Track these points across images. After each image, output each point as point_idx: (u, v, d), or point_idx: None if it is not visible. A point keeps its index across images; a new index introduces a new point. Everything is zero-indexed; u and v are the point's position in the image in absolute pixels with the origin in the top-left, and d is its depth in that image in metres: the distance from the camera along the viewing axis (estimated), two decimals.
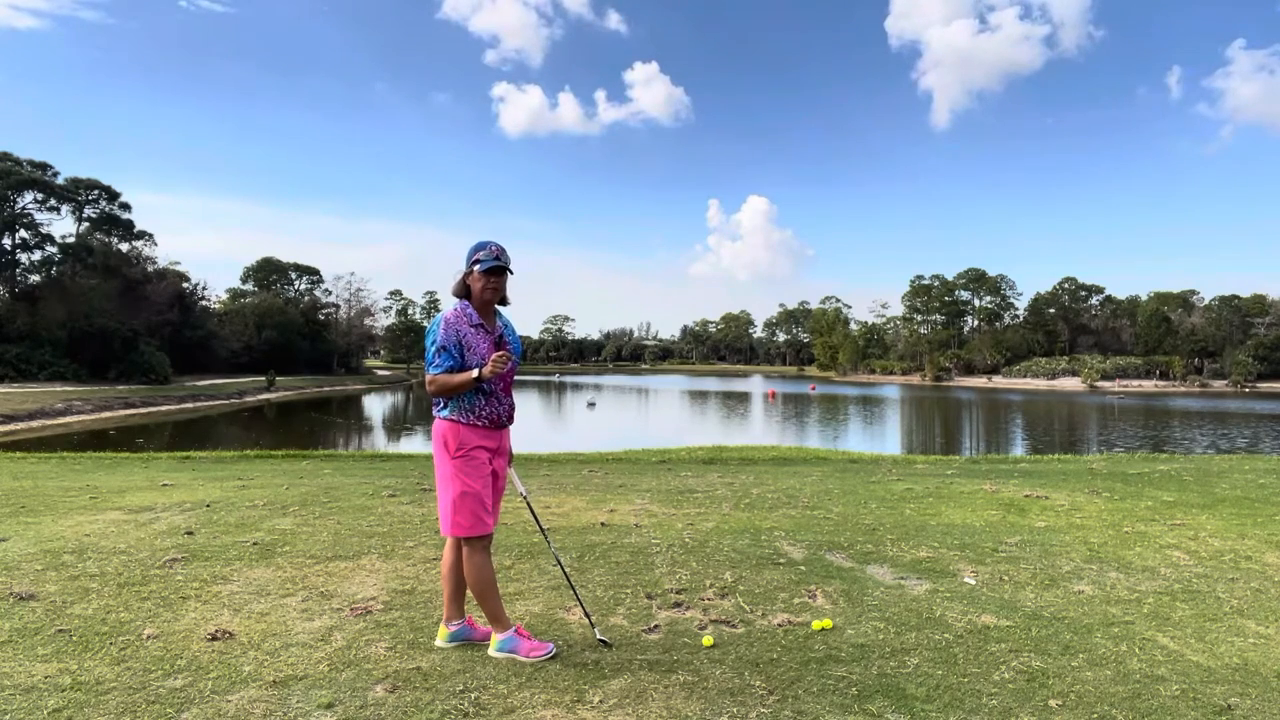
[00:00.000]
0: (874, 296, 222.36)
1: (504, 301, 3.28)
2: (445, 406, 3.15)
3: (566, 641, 3.30)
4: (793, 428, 38.89)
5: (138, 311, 56.19)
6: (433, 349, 3.11)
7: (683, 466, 10.23)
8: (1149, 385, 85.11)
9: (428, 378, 3.14)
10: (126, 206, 63.11)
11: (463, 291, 3.20)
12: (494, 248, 3.16)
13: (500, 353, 3.09)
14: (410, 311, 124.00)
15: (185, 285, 68.42)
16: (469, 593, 3.33)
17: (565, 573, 3.67)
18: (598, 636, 3.31)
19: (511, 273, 3.23)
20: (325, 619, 3.53)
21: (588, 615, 3.49)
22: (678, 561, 4.62)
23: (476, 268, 3.14)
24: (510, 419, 3.30)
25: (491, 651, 3.14)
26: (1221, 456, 12.28)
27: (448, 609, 3.27)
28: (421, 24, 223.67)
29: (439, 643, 3.25)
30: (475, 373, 3.07)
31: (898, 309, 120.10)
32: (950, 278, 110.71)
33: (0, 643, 3.18)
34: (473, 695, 2.77)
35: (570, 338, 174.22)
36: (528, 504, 3.66)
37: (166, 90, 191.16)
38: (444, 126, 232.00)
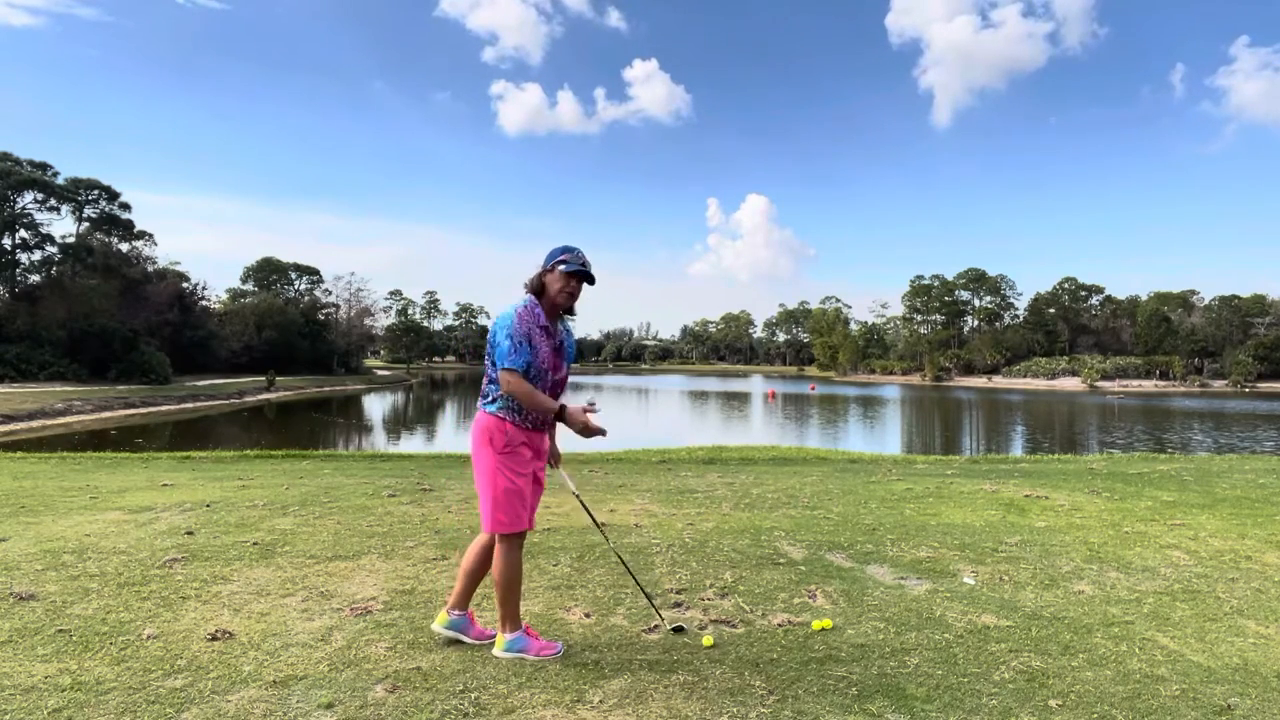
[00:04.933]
0: (874, 296, 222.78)
1: (570, 311, 3.24)
2: (494, 401, 3.11)
3: (566, 641, 3.30)
4: (793, 428, 38.88)
5: (138, 311, 56.16)
6: (507, 341, 3.00)
7: (683, 466, 10.23)
8: (1149, 385, 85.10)
9: (506, 371, 3.01)
10: (126, 206, 63.07)
11: (538, 288, 3.13)
12: (580, 254, 3.11)
13: (592, 417, 3.04)
14: (410, 311, 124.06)
15: (185, 285, 68.38)
16: (475, 591, 3.34)
17: (629, 569, 3.74)
18: (670, 627, 3.36)
19: (592, 282, 3.18)
20: (325, 619, 3.53)
21: (657, 611, 3.53)
22: (678, 561, 4.62)
23: (561, 267, 3.08)
24: (552, 423, 3.28)
25: (497, 652, 3.13)
26: (1221, 456, 12.28)
27: (454, 598, 3.27)
28: (419, 21, 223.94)
29: (435, 626, 3.26)
30: (558, 406, 3.05)
31: (898, 309, 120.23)
32: (950, 278, 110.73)
33: (0, 643, 3.18)
34: (473, 695, 2.77)
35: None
36: (582, 504, 3.65)
37: (164, 89, 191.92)
38: (443, 125, 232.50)
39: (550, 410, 3.05)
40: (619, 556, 3.89)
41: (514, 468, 3.09)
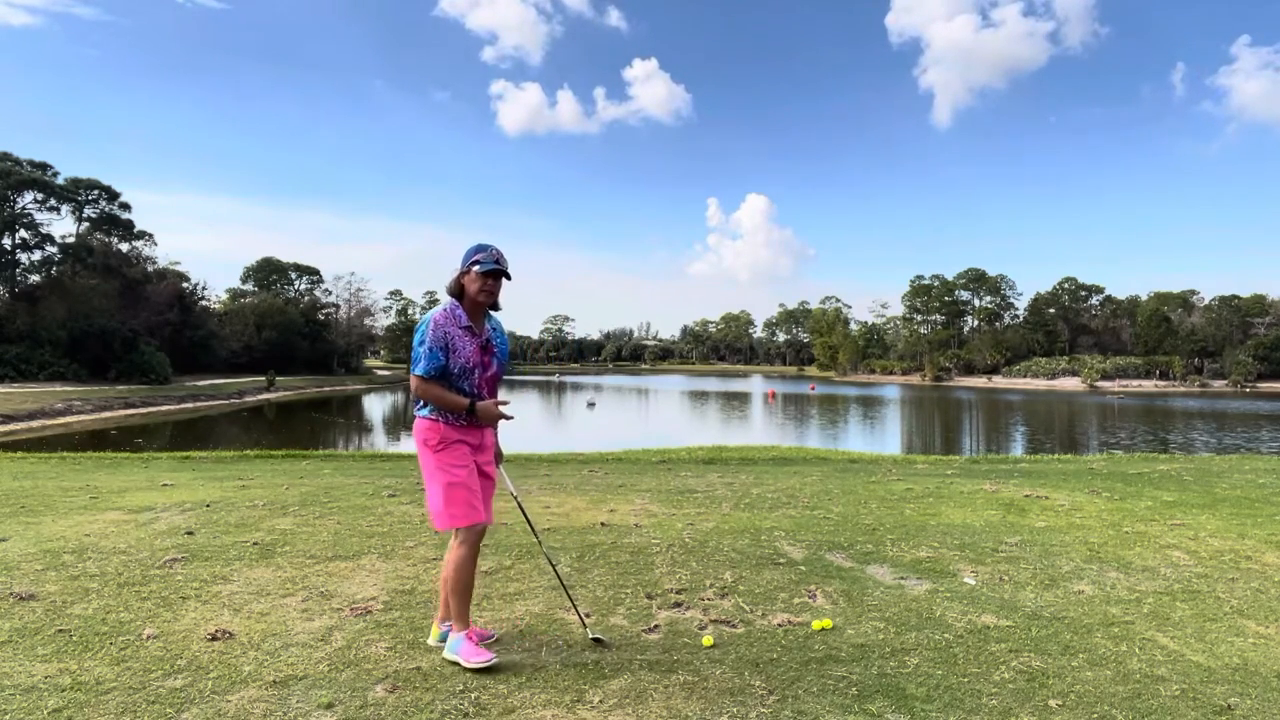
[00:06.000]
0: (874, 296, 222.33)
1: (495, 306, 3.25)
2: (425, 405, 3.15)
3: (566, 641, 3.30)
4: (793, 428, 38.88)
5: (138, 311, 56.18)
6: (420, 348, 3.08)
7: (683, 466, 10.23)
8: (1149, 385, 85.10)
9: (413, 378, 3.12)
10: (126, 206, 63.18)
11: (457, 291, 3.17)
12: (494, 251, 3.12)
13: (502, 408, 3.16)
14: (410, 311, 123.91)
15: (185, 285, 68.42)
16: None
17: (557, 571, 3.66)
18: (591, 635, 3.29)
19: (509, 278, 3.19)
20: (325, 619, 3.53)
21: (580, 614, 3.48)
22: (678, 561, 4.62)
23: (475, 268, 3.10)
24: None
25: (446, 653, 3.09)
26: (1221, 456, 12.29)
27: (442, 609, 3.27)
28: (418, 21, 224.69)
29: (431, 641, 3.25)
30: (468, 402, 3.09)
31: (898, 309, 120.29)
32: (950, 278, 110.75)
33: (0, 643, 3.19)
34: (473, 695, 2.77)
35: (570, 337, 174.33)
36: (518, 504, 3.59)
37: (164, 89, 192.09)
38: (442, 124, 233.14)
39: (460, 408, 3.09)
40: (550, 562, 3.73)
41: (453, 462, 3.10)
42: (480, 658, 3.00)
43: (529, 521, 3.65)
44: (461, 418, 3.13)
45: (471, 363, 3.12)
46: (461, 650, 3.04)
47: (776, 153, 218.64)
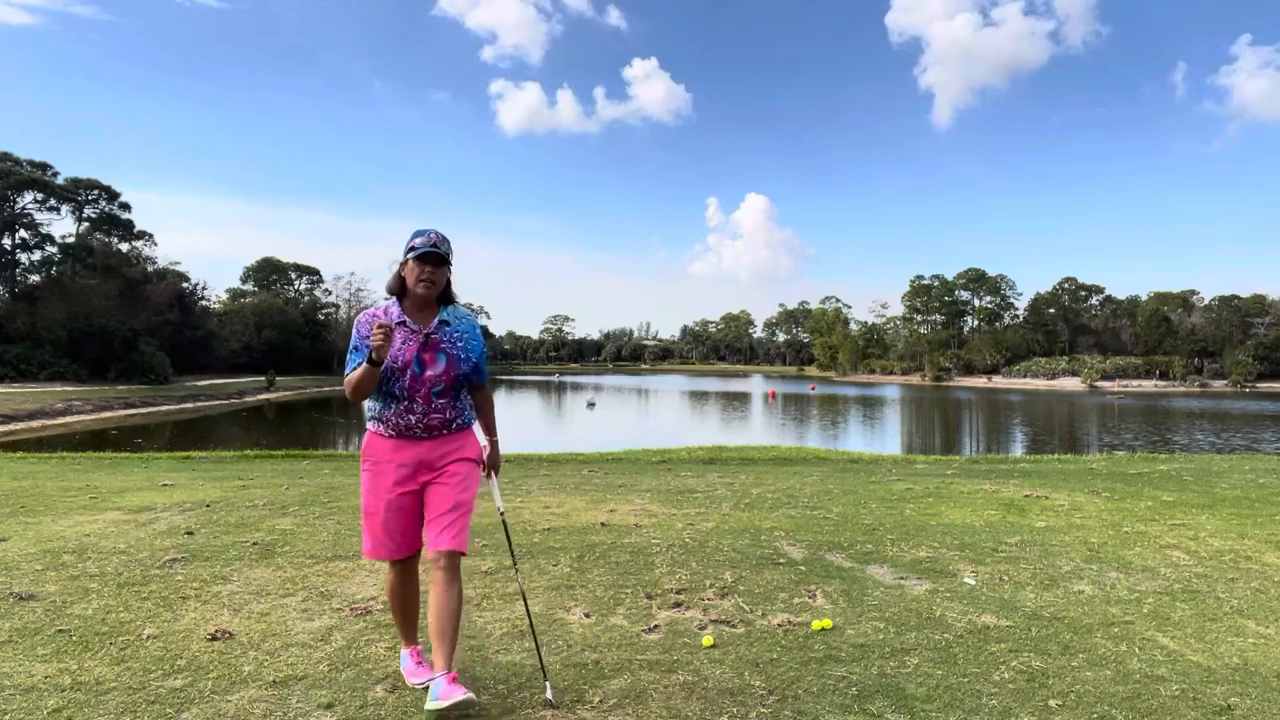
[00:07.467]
0: (874, 296, 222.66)
1: (447, 298, 2.91)
2: (369, 417, 2.91)
3: (566, 642, 3.30)
4: (793, 428, 38.87)
5: (138, 311, 56.27)
6: (349, 351, 2.84)
7: (683, 466, 10.22)
8: (1149, 385, 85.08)
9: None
10: (126, 206, 63.32)
11: (397, 286, 2.86)
12: (432, 235, 2.80)
13: (380, 327, 2.66)
14: None
15: (185, 285, 68.52)
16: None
17: (528, 609, 3.15)
18: (547, 694, 2.74)
19: (449, 263, 2.84)
20: (325, 619, 3.53)
21: (543, 665, 2.92)
22: (678, 561, 4.62)
23: (410, 255, 2.79)
24: (432, 429, 2.83)
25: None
26: (1221, 456, 12.28)
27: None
28: (417, 20, 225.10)
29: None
30: (363, 362, 2.70)
31: (898, 309, 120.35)
32: (950, 278, 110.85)
33: (0, 643, 3.18)
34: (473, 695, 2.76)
35: (570, 337, 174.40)
36: (503, 522, 3.22)
37: (164, 88, 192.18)
38: (442, 124, 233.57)
39: (366, 371, 2.69)
40: (523, 595, 3.20)
41: (369, 486, 2.85)
42: (416, 677, 2.85)
43: (510, 546, 3.23)
44: (394, 427, 2.82)
45: (400, 362, 2.77)
46: (405, 667, 2.94)
47: (776, 152, 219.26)
